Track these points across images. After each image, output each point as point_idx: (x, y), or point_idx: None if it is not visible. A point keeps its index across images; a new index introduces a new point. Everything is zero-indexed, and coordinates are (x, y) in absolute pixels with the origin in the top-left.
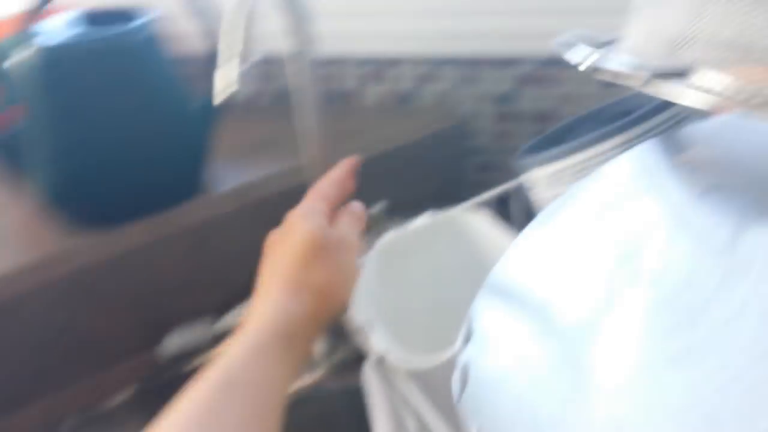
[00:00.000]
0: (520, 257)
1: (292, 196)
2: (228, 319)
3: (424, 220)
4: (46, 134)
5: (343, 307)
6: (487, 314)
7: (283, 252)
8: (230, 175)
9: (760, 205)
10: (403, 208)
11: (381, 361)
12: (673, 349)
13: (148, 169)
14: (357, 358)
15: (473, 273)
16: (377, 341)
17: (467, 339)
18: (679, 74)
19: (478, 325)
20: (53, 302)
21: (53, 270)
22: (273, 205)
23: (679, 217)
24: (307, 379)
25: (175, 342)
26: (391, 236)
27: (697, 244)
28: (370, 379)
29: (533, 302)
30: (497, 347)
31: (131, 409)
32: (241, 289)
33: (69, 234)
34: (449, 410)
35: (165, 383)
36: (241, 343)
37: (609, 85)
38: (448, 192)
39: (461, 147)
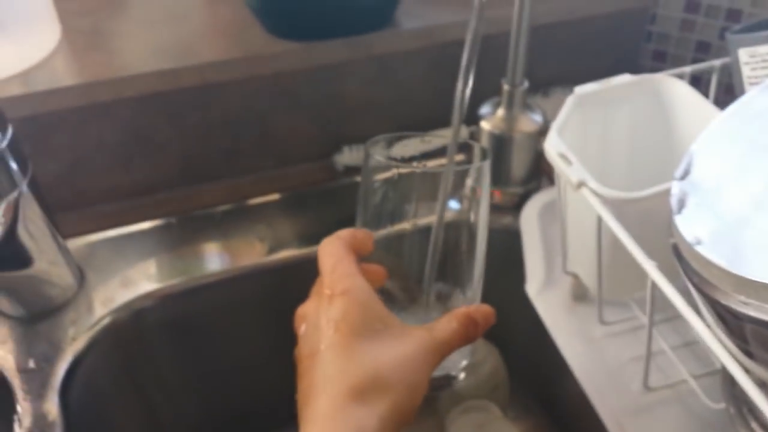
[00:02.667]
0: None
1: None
2: (396, 148)
3: (623, 78)
4: None
5: (421, 392)
6: (703, 159)
7: (323, 334)
8: (420, 16)
9: None
10: (570, 82)
11: (578, 188)
12: None
13: None
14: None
15: (668, 135)
16: (575, 171)
17: (684, 175)
18: None
19: (695, 166)
20: (252, 96)
21: (256, 68)
22: (454, 50)
23: None
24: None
25: (347, 157)
26: (590, 87)
27: None
28: (528, 219)
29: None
30: (713, 187)
31: (284, 208)
32: (411, 122)
33: (271, 40)
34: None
35: (330, 190)
36: None
37: None
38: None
39: (642, 30)
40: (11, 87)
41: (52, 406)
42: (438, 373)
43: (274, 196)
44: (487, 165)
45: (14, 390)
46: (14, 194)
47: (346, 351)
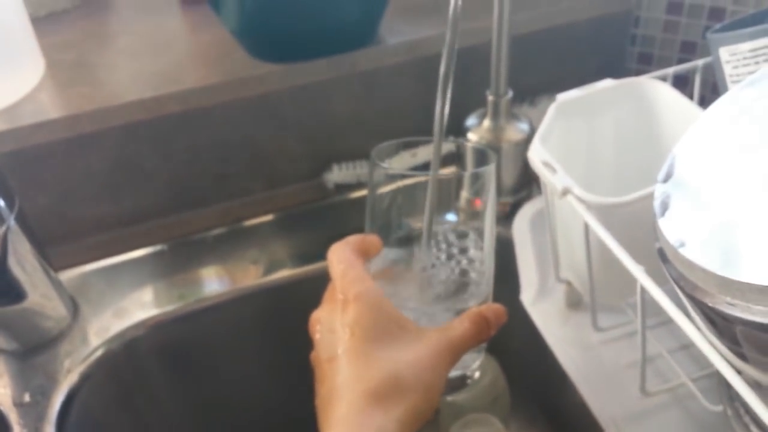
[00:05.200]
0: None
1: (461, 55)
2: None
3: (606, 83)
4: None
5: (438, 391)
6: (686, 161)
7: (339, 339)
8: (403, 31)
9: None
10: (556, 89)
11: (563, 195)
12: None
13: (331, 13)
14: (506, 216)
15: (653, 138)
16: (560, 179)
17: (667, 178)
18: None
19: (678, 168)
20: (238, 119)
21: (240, 91)
22: (438, 63)
23: None
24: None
25: (336, 175)
26: (572, 94)
27: None
28: (520, 228)
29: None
30: (696, 188)
31: (277, 229)
32: (399, 137)
33: (254, 63)
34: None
35: (322, 209)
36: None
37: None
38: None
39: (626, 33)
40: None
41: None
42: (454, 373)
43: (266, 218)
44: (491, 169)
45: (11, 425)
46: (2, 229)
47: (362, 356)
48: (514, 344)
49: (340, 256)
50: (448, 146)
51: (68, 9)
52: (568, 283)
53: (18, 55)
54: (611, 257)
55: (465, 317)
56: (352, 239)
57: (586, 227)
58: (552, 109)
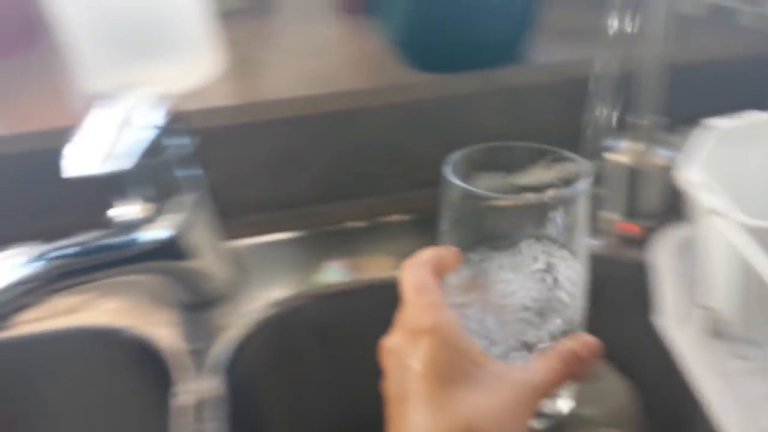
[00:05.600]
0: None
1: None
2: (516, 177)
3: (759, 115)
4: None
5: None
6: None
7: (410, 377)
8: (552, 51)
9: None
10: (700, 118)
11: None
12: None
13: (484, 30)
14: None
15: None
16: (717, 201)
17: None
18: None
19: None
20: (386, 122)
21: (390, 97)
22: (584, 86)
23: None
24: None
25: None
26: (726, 121)
27: None
28: (659, 252)
29: None
30: None
31: (412, 228)
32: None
33: (406, 72)
34: None
35: None
36: None
37: None
38: None
39: None
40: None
41: (208, 388)
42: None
43: (404, 217)
44: (585, 186)
45: (172, 371)
46: (196, 195)
47: (432, 400)
48: (650, 369)
49: (415, 278)
50: (590, 164)
51: (242, 9)
52: (711, 310)
53: (205, 45)
54: (762, 285)
55: (554, 355)
56: (428, 256)
57: (738, 252)
58: (703, 134)
